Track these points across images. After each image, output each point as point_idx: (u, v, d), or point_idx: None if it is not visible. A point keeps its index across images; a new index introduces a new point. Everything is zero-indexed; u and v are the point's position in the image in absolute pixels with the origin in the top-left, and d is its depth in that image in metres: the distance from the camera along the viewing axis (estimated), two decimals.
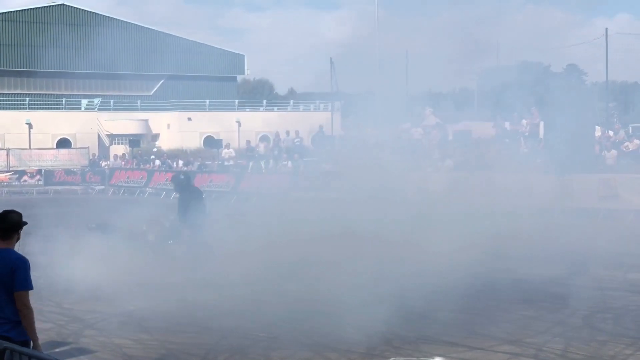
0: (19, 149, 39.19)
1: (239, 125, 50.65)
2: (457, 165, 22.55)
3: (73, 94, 52.00)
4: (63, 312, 10.50)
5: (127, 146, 42.24)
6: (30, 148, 41.74)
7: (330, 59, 36.38)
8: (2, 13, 52.38)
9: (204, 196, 14.31)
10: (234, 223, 16.79)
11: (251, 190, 26.85)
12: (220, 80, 57.14)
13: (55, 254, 12.40)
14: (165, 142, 49.03)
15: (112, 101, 51.23)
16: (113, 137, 49.20)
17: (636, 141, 24.16)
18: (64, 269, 11.90)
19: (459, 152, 23.22)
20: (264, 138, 41.36)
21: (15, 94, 51.72)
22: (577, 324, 9.66)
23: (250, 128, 49.94)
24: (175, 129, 50.28)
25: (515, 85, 20.66)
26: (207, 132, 49.64)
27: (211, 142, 43.41)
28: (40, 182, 33.75)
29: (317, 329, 9.30)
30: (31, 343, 5.84)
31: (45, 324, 9.65)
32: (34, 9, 52.65)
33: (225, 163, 32.97)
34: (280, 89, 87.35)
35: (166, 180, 28.69)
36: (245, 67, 59.75)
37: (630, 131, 28.47)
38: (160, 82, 55.23)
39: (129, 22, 53.76)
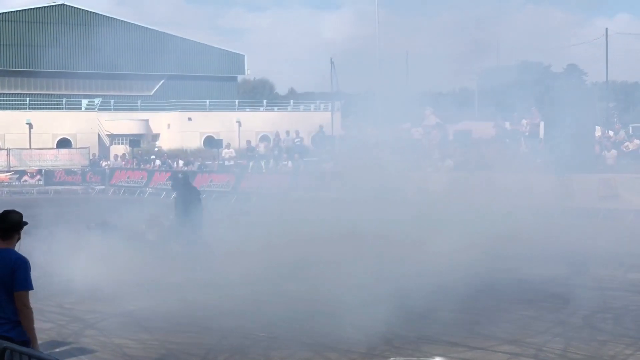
0: (20, 148, 39.21)
1: (239, 125, 50.67)
2: (457, 165, 22.56)
3: (73, 94, 52.01)
4: (63, 311, 10.50)
5: (128, 146, 42.27)
6: (30, 148, 41.75)
7: (331, 59, 36.41)
8: (3, 13, 52.39)
9: (202, 196, 14.33)
10: (234, 223, 16.80)
11: (251, 190, 26.85)
12: (221, 80, 57.15)
13: (56, 254, 12.40)
14: (166, 142, 49.04)
15: (112, 101, 51.24)
16: (113, 137, 49.21)
17: (636, 141, 24.17)
18: (64, 268, 11.91)
19: (459, 152, 23.23)
20: (264, 138, 41.37)
21: (15, 93, 51.73)
22: (577, 324, 9.66)
23: (250, 128, 49.96)
24: (176, 129, 50.30)
25: (515, 85, 20.67)
26: (207, 132, 49.65)
27: (211, 142, 43.43)
28: (41, 182, 33.76)
29: (318, 328, 9.31)
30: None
31: (46, 323, 9.66)
32: (34, 8, 52.66)
33: (226, 163, 32.97)
34: (281, 89, 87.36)
35: (166, 180, 28.72)
36: (246, 67, 59.77)
37: (631, 131, 28.46)
38: (161, 82, 55.24)
39: (130, 22, 53.77)
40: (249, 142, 36.78)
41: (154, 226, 14.86)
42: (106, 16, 52.86)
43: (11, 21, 51.84)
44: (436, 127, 24.41)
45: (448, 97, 25.56)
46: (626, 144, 23.93)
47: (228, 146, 36.23)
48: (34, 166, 34.97)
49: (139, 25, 54.31)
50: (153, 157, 37.72)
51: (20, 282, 5.74)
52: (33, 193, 32.57)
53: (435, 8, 19.85)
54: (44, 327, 9.33)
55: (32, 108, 48.64)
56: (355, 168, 17.45)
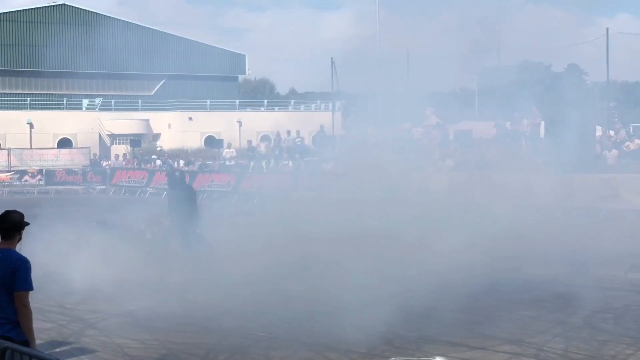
0: (20, 148, 39.24)
1: (240, 125, 50.68)
2: (457, 165, 22.54)
3: (74, 94, 52.03)
4: (64, 311, 10.51)
5: (128, 146, 42.28)
6: (31, 148, 41.78)
7: (331, 58, 36.42)
8: (4, 13, 52.41)
9: (197, 196, 14.35)
10: (234, 223, 16.81)
11: (252, 190, 26.86)
12: (221, 80, 57.16)
13: (56, 254, 12.39)
14: (166, 142, 49.05)
15: (113, 101, 51.26)
16: (114, 137, 49.23)
17: (637, 141, 24.16)
18: (65, 268, 11.91)
19: (460, 152, 23.22)
20: (264, 138, 41.37)
21: (16, 93, 51.76)
22: (578, 324, 9.66)
23: (251, 128, 49.97)
24: (176, 129, 50.31)
25: (516, 85, 20.66)
26: (208, 132, 49.67)
27: (212, 141, 43.44)
28: (42, 182, 33.77)
29: (318, 328, 9.31)
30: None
31: (46, 323, 9.67)
32: (35, 8, 52.68)
33: (227, 163, 32.98)
34: (281, 88, 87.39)
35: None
36: (246, 67, 59.78)
37: (631, 131, 28.47)
38: (162, 82, 55.25)
39: (130, 22, 53.79)
40: (249, 142, 36.79)
41: (154, 226, 14.87)
42: (107, 16, 52.88)
43: (12, 21, 51.87)
44: (436, 127, 24.40)
45: (448, 97, 25.56)
46: (627, 143, 23.93)
47: (229, 146, 36.24)
48: (35, 166, 34.98)
49: (140, 25, 54.34)
50: (154, 157, 37.72)
51: (20, 282, 5.75)
52: (34, 193, 32.59)
53: (436, 8, 19.84)
54: (44, 327, 9.34)
55: (33, 108, 48.66)
56: (356, 168, 17.44)
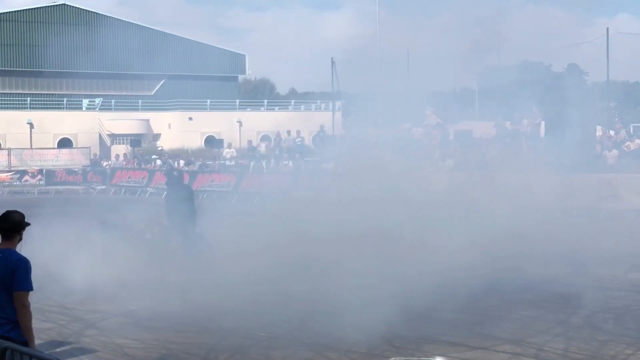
0: (20, 148, 39.24)
1: (240, 125, 50.68)
2: (457, 165, 22.54)
3: (74, 94, 52.04)
4: (64, 311, 10.51)
5: (129, 146, 42.28)
6: (31, 148, 41.78)
7: (332, 58, 36.42)
8: (4, 13, 52.43)
9: (195, 196, 14.37)
10: (235, 223, 16.80)
11: (252, 190, 26.86)
12: (222, 80, 57.16)
13: (56, 254, 12.40)
14: (167, 142, 49.06)
15: (113, 101, 51.26)
16: (114, 137, 49.24)
17: (637, 141, 24.16)
18: (65, 268, 11.91)
19: (460, 152, 23.22)
20: (265, 138, 41.38)
21: (16, 93, 51.77)
22: (578, 324, 9.66)
23: (251, 128, 49.98)
24: (177, 129, 50.32)
25: (516, 85, 20.65)
26: (208, 132, 49.67)
27: (212, 141, 43.45)
28: (42, 182, 33.77)
29: (318, 328, 9.31)
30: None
31: (47, 323, 9.68)
32: (35, 8, 52.69)
33: (227, 163, 32.98)
34: (282, 88, 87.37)
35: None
36: (247, 67, 59.77)
37: (632, 131, 28.46)
38: (162, 82, 55.25)
39: (130, 22, 53.80)
40: (250, 141, 36.79)
41: (154, 226, 14.87)
42: (107, 16, 52.89)
43: (12, 21, 51.88)
44: (437, 127, 24.40)
45: (449, 97, 25.55)
46: (627, 143, 23.93)
47: (230, 146, 36.23)
48: (35, 166, 34.99)
49: (140, 25, 54.36)
50: (154, 156, 37.72)
51: (20, 282, 5.75)
52: (34, 193, 32.59)
53: (436, 8, 19.83)
54: (44, 327, 9.35)
55: (33, 108, 48.67)
56: (356, 168, 17.44)
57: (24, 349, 5.34)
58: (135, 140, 41.94)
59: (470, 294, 10.93)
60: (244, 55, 59.55)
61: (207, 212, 16.96)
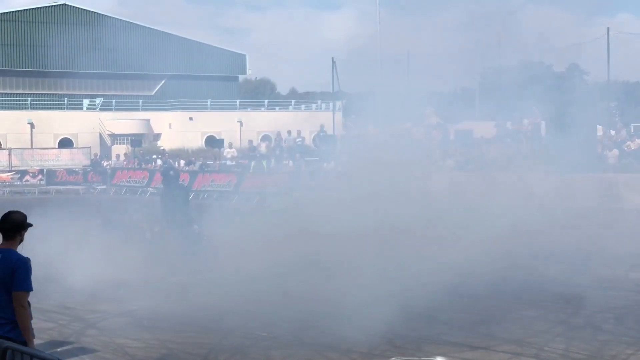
0: (21, 148, 39.22)
1: (240, 125, 50.68)
2: (458, 165, 22.54)
3: (75, 94, 52.04)
4: (65, 311, 10.51)
5: (129, 146, 42.27)
6: (32, 148, 41.76)
7: (332, 58, 36.40)
8: (4, 13, 52.43)
9: (190, 195, 14.43)
10: (236, 223, 16.80)
11: (253, 190, 26.88)
12: (222, 79, 57.14)
13: (57, 254, 12.40)
14: (167, 142, 49.05)
15: (113, 101, 51.26)
16: (115, 137, 49.24)
17: (638, 140, 24.15)
18: (65, 268, 11.91)
19: (460, 152, 23.22)
20: (265, 138, 41.38)
21: (17, 93, 51.78)
22: (579, 324, 9.66)
23: (252, 128, 49.97)
24: (177, 129, 50.31)
25: (516, 85, 20.64)
26: (208, 132, 49.66)
27: (213, 141, 43.44)
28: (42, 182, 33.76)
29: (318, 328, 9.31)
30: None
31: (47, 323, 9.68)
32: (35, 8, 52.68)
33: (228, 163, 32.98)
34: (282, 88, 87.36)
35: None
36: (247, 67, 59.76)
37: (632, 130, 28.43)
38: (162, 82, 55.26)
39: (131, 22, 53.79)
40: (250, 141, 36.79)
41: (154, 225, 14.87)
42: (107, 16, 52.89)
43: (12, 21, 51.88)
44: (437, 127, 24.40)
45: (449, 97, 25.55)
46: (628, 143, 23.92)
47: (230, 145, 36.22)
48: (36, 166, 34.98)
49: (141, 25, 54.34)
50: (154, 156, 37.72)
51: (19, 282, 5.74)
52: (34, 193, 32.58)
53: (436, 8, 19.83)
54: (45, 327, 9.35)
55: (34, 108, 48.67)
56: (358, 167, 17.44)
57: (25, 348, 5.34)
58: (135, 140, 41.92)
59: (470, 294, 10.94)
60: (245, 55, 59.54)
61: (209, 212, 16.96)
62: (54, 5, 52.53)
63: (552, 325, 9.56)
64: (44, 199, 29.37)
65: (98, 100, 50.91)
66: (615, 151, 22.82)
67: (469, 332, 9.29)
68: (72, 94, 51.76)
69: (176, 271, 12.59)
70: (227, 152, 34.87)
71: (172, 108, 51.45)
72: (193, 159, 35.93)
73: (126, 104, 51.48)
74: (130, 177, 33.01)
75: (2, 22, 51.62)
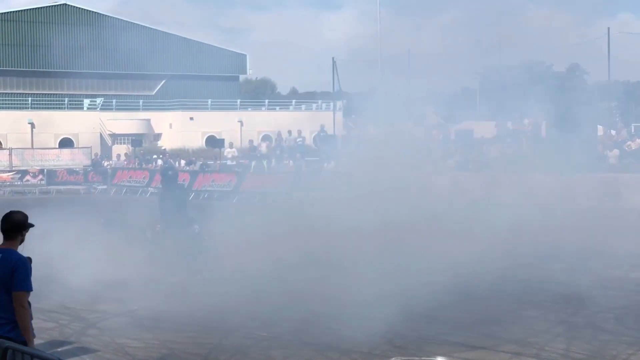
0: (22, 148, 39.22)
1: (241, 125, 50.67)
2: (458, 165, 22.54)
3: (75, 94, 52.05)
4: (65, 311, 10.51)
5: (130, 146, 42.28)
6: (32, 148, 41.77)
7: (333, 58, 36.41)
8: (5, 13, 52.43)
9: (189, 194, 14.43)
10: (237, 222, 16.79)
11: (253, 189, 26.89)
12: (223, 79, 57.14)
13: (58, 253, 12.40)
14: (168, 142, 49.05)
15: (114, 101, 51.26)
16: (115, 137, 49.24)
17: (638, 140, 24.16)
18: (66, 268, 11.91)
19: (461, 152, 23.22)
20: (266, 137, 41.38)
21: (17, 93, 51.78)
22: (579, 324, 9.66)
23: (252, 127, 49.97)
24: (178, 129, 50.31)
25: (517, 85, 20.65)
26: (209, 132, 49.65)
27: (213, 141, 43.45)
28: (43, 182, 33.77)
29: (319, 328, 9.30)
30: None
31: (48, 323, 9.68)
32: (36, 8, 52.68)
33: (228, 163, 32.98)
34: (283, 88, 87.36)
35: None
36: (248, 67, 59.74)
37: (633, 130, 28.44)
38: (163, 82, 55.25)
39: (131, 22, 53.79)
40: (251, 141, 36.79)
41: (155, 225, 14.87)
42: (108, 16, 52.89)
43: (13, 21, 51.88)
44: (437, 127, 24.40)
45: (450, 97, 25.57)
46: (628, 143, 23.93)
47: (231, 145, 36.23)
48: (36, 166, 34.99)
49: (141, 25, 54.33)
50: (155, 156, 37.72)
51: (19, 282, 5.73)
52: (35, 193, 32.59)
53: (437, 8, 19.84)
54: (46, 327, 9.35)
55: (34, 108, 48.67)
56: (359, 167, 17.44)
57: (26, 348, 5.34)
58: (136, 140, 41.92)
59: (471, 294, 10.94)
60: (245, 55, 59.53)
61: (209, 212, 16.96)
62: (55, 5, 52.53)
63: (553, 325, 9.56)
64: (44, 199, 29.38)
65: (99, 100, 50.91)
66: (616, 151, 22.83)
67: (469, 332, 9.29)
68: (72, 94, 51.76)
69: (176, 271, 12.59)
70: (228, 152, 34.87)
71: (173, 108, 51.46)
72: (194, 158, 35.93)
73: (127, 104, 51.48)
74: (130, 177, 33.02)
75: (3, 22, 51.62)
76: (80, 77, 50.82)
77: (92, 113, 49.61)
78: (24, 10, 52.59)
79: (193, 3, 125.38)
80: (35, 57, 50.96)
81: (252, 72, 64.42)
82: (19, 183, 33.79)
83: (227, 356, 8.50)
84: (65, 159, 36.57)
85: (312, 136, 38.11)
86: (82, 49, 47.35)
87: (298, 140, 32.93)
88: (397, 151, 17.20)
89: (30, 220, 6.04)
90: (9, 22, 51.78)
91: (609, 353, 8.44)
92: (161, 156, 37.28)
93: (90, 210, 20.20)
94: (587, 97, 23.52)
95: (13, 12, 52.67)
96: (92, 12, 52.47)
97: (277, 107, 56.35)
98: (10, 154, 35.95)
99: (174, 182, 14.36)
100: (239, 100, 55.25)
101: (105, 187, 33.02)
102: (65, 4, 52.53)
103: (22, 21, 51.82)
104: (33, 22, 51.68)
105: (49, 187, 33.29)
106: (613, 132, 25.03)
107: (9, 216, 5.94)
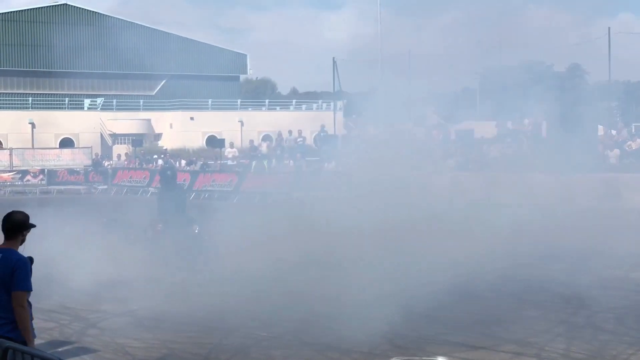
0: (22, 148, 39.24)
1: (241, 125, 50.68)
2: (459, 165, 22.54)
3: (76, 94, 52.06)
4: (66, 311, 10.52)
5: (130, 146, 42.30)
6: (33, 148, 41.79)
7: (333, 58, 36.41)
8: (5, 13, 52.46)
9: (187, 194, 14.44)
10: (237, 222, 16.78)
11: (254, 189, 26.90)
12: (223, 79, 57.14)
13: (59, 253, 12.41)
14: (168, 142, 49.06)
15: (114, 101, 51.27)
16: (116, 137, 49.26)
17: (639, 140, 24.15)
18: (66, 268, 11.92)
19: (461, 152, 23.22)
20: (266, 137, 41.38)
21: (18, 93, 51.80)
22: (580, 324, 9.66)
23: (252, 127, 49.97)
24: (178, 129, 50.32)
25: (517, 85, 20.64)
26: (209, 132, 49.66)
27: (214, 141, 43.47)
28: (43, 182, 33.79)
29: (319, 328, 9.31)
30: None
31: (48, 323, 9.69)
32: (36, 8, 52.70)
33: (229, 163, 32.99)
34: (283, 88, 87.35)
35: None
36: (248, 67, 59.75)
37: (633, 130, 28.42)
38: (163, 82, 55.26)
39: (132, 22, 53.80)
40: (251, 141, 36.79)
41: (156, 224, 14.89)
42: (108, 16, 52.90)
43: (13, 21, 51.90)
44: (438, 127, 24.40)
45: (450, 97, 25.58)
46: (629, 143, 23.92)
47: (231, 145, 36.24)
48: (37, 166, 35.00)
49: (141, 25, 54.34)
50: (155, 156, 37.73)
51: (19, 282, 5.73)
52: (36, 193, 32.60)
53: (437, 8, 19.84)
54: (46, 327, 9.36)
55: (35, 108, 48.69)
56: (359, 167, 17.45)
57: (26, 348, 5.34)
58: (136, 140, 41.94)
59: (471, 294, 10.94)
60: (246, 55, 59.53)
61: (210, 211, 16.96)
62: (55, 5, 52.54)
63: (553, 325, 9.56)
64: (45, 199, 29.39)
65: (99, 100, 50.92)
66: (616, 151, 22.82)
67: (469, 332, 9.29)
68: (73, 94, 51.78)
69: (176, 271, 12.60)
70: (228, 152, 34.87)
71: (173, 108, 51.46)
72: (194, 158, 35.94)
73: (127, 104, 51.49)
74: (131, 177, 33.04)
75: (3, 22, 51.64)
76: (81, 77, 50.85)
77: (92, 113, 49.62)
78: (25, 10, 52.60)
79: (193, 3, 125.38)
80: (36, 57, 50.99)
81: (253, 72, 64.47)
82: (19, 183, 33.80)
83: (227, 356, 8.50)
84: (65, 159, 36.59)
85: (312, 136, 38.11)
86: (83, 49, 47.36)
87: (298, 140, 32.93)
88: (397, 151, 17.20)
89: (31, 220, 6.04)
90: (9, 22, 51.79)
91: (609, 353, 8.45)
92: (162, 156, 37.28)
93: (91, 210, 20.22)
94: (587, 97, 23.52)
95: (13, 12, 52.69)
96: (93, 12, 52.48)
97: (278, 107, 56.35)
98: (10, 154, 35.97)
99: (173, 182, 14.38)
100: (239, 100, 55.25)
101: (105, 187, 33.04)
102: (66, 4, 52.54)
103: (22, 21, 51.84)
104: (33, 22, 51.70)
105: (49, 187, 33.30)
106: (613, 132, 25.02)
107: (10, 216, 5.94)
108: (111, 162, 38.15)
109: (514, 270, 12.71)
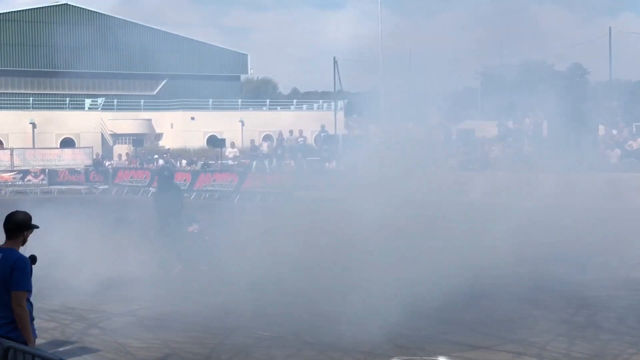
0: (23, 148, 39.25)
1: (242, 125, 50.69)
2: (460, 164, 22.53)
3: (77, 94, 52.08)
4: (67, 311, 10.52)
5: (131, 146, 42.32)
6: (34, 148, 41.81)
7: (334, 58, 36.43)
8: (6, 13, 52.48)
9: (184, 194, 14.45)
10: (238, 222, 16.81)
11: (255, 189, 26.91)
12: (224, 79, 57.15)
13: (59, 253, 12.41)
14: (169, 142, 49.09)
15: (115, 101, 51.30)
16: (116, 137, 49.28)
17: None
18: (67, 268, 11.92)
19: (463, 152, 23.21)
20: (267, 137, 41.38)
21: (18, 93, 51.83)
22: (581, 323, 9.66)
23: (253, 127, 49.98)
24: (179, 129, 50.33)
25: (518, 84, 20.64)
26: (210, 132, 49.67)
27: (214, 141, 43.47)
28: (44, 182, 33.80)
29: (321, 328, 9.31)
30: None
31: (50, 322, 9.69)
32: (37, 8, 52.72)
33: (230, 162, 33.00)
34: (284, 88, 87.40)
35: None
36: (249, 67, 59.76)
37: (634, 130, 28.39)
38: (164, 82, 55.28)
39: (132, 22, 53.80)
40: (252, 141, 36.80)
41: (160, 224, 14.87)
42: (109, 15, 52.92)
43: (14, 21, 51.92)
44: (439, 127, 24.37)
45: (451, 96, 25.57)
46: (630, 142, 23.90)
47: (232, 145, 36.26)
48: (38, 166, 35.01)
49: (142, 25, 54.35)
50: (156, 156, 37.74)
51: (18, 282, 5.72)
52: (37, 193, 32.62)
53: (438, 7, 19.83)
54: (47, 326, 9.36)
55: (36, 108, 48.71)
56: (360, 167, 17.44)
57: (27, 348, 5.34)
58: (137, 140, 41.97)
59: (472, 293, 10.94)
60: (246, 55, 59.54)
61: (210, 211, 16.96)
62: (56, 5, 52.56)
63: (555, 324, 9.56)
64: (46, 198, 29.39)
65: (100, 100, 50.94)
66: (617, 150, 22.81)
67: (471, 331, 9.29)
68: (74, 94, 51.80)
69: (177, 271, 12.60)
70: (229, 151, 34.88)
71: (174, 108, 51.48)
72: (195, 158, 35.95)
73: (128, 104, 51.52)
74: (132, 177, 33.05)
75: (4, 22, 51.66)
76: (82, 77, 50.87)
77: (93, 113, 49.64)
78: (26, 10, 52.63)
79: (194, 3, 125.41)
80: (37, 57, 51.01)
81: (253, 71, 64.48)
82: (20, 183, 33.82)
83: (229, 356, 8.51)
84: (66, 158, 36.59)
85: (313, 136, 38.13)
86: (84, 48, 47.37)
87: (299, 140, 32.94)
88: (398, 151, 17.19)
89: (34, 220, 6.03)
90: (10, 21, 51.81)
91: (611, 353, 8.44)
92: (164, 155, 37.30)
93: (91, 210, 20.22)
94: (588, 96, 23.52)
95: (15, 12, 52.71)
96: (94, 11, 52.49)
97: (279, 107, 56.36)
98: (11, 154, 35.98)
99: (170, 182, 14.32)
100: (240, 100, 55.26)
101: (106, 187, 33.05)
102: (67, 4, 52.56)
103: (23, 21, 51.87)
104: (34, 21, 51.72)
105: (50, 187, 33.32)
106: (614, 132, 25.00)
107: (12, 216, 5.94)
108: (112, 162, 38.16)
109: (515, 270, 12.70)
